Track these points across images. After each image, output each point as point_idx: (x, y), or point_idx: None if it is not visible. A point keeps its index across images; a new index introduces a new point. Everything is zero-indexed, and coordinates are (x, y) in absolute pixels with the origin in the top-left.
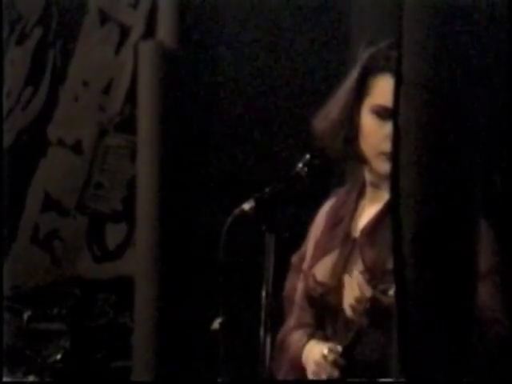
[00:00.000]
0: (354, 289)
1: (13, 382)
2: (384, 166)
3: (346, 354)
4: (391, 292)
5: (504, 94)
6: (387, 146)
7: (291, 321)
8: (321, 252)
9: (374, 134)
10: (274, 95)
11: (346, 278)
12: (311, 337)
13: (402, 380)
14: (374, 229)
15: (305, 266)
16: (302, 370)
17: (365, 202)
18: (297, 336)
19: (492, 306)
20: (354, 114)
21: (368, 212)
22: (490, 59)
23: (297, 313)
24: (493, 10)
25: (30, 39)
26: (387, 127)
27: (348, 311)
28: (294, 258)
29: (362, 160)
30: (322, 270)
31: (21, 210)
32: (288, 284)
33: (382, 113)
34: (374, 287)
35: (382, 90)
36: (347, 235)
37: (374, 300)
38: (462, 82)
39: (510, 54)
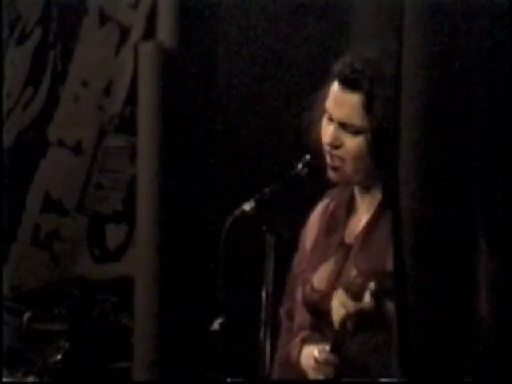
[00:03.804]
0: (339, 307)
1: (13, 383)
2: (328, 171)
3: (334, 350)
4: (367, 298)
5: (505, 95)
6: (327, 146)
7: (294, 325)
8: (317, 259)
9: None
10: (274, 95)
11: (333, 297)
12: (306, 341)
13: (402, 380)
14: (367, 234)
15: (302, 268)
16: (301, 375)
17: (357, 205)
18: (295, 342)
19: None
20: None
21: (361, 216)
22: (490, 60)
23: (299, 317)
24: (493, 10)
25: (29, 39)
26: (330, 128)
27: (336, 325)
28: (294, 261)
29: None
30: (319, 278)
31: (21, 210)
32: (288, 287)
33: (328, 115)
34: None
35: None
36: (341, 242)
37: (358, 313)
38: (462, 84)
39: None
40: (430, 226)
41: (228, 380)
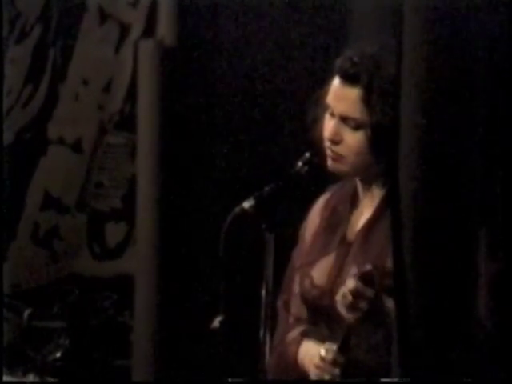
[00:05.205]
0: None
1: (13, 382)
2: (329, 162)
3: (342, 350)
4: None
5: (505, 92)
6: (328, 142)
7: (290, 317)
8: (317, 254)
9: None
10: (274, 95)
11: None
12: (305, 335)
13: (403, 380)
14: (368, 233)
15: (301, 261)
16: (298, 370)
17: (360, 201)
18: (293, 335)
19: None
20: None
21: (362, 213)
22: (490, 58)
23: (295, 309)
24: (493, 9)
25: (29, 37)
26: (331, 123)
27: (340, 309)
28: (294, 254)
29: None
30: (319, 274)
31: (21, 208)
32: (286, 280)
33: (330, 110)
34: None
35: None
36: (343, 238)
37: (355, 291)
38: (462, 80)
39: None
40: (429, 225)
41: (229, 380)
